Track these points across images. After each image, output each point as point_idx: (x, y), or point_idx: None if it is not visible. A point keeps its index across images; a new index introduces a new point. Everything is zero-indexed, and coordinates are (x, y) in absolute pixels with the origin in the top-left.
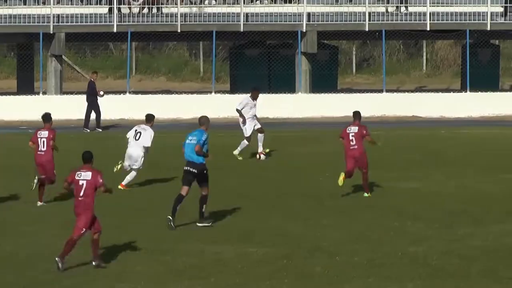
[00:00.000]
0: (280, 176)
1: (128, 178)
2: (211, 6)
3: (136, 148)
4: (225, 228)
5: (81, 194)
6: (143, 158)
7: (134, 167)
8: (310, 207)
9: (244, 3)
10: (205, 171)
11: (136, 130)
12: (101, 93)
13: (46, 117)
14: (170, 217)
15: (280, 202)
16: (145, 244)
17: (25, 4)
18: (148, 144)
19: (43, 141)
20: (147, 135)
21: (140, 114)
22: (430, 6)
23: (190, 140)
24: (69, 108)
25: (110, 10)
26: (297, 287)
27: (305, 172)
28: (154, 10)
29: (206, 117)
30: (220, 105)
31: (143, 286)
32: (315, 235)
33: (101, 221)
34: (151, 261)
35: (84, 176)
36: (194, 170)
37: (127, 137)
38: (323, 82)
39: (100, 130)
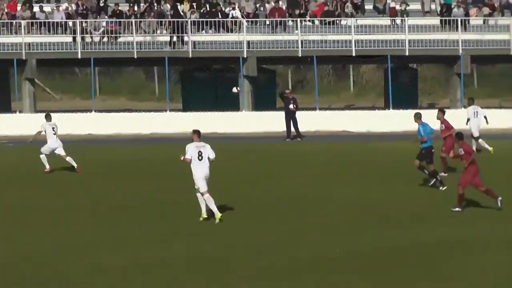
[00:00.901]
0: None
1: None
2: (162, 35)
3: (204, 167)
4: None
5: None
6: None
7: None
8: None
9: (191, 32)
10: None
11: (197, 149)
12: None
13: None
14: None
15: None
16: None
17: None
18: (214, 156)
19: None
20: (209, 150)
21: (106, 129)
22: (354, 34)
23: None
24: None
25: (74, 39)
26: None
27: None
28: (113, 39)
29: None
30: (174, 122)
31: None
32: None
33: None
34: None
35: None
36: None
37: (190, 157)
38: (263, 102)
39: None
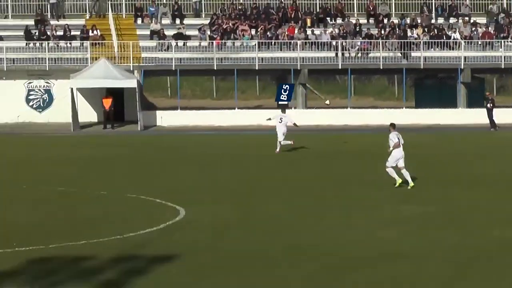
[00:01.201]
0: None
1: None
2: (401, 52)
3: (401, 149)
4: (414, 193)
5: None
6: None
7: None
8: None
9: (423, 49)
10: None
11: (397, 136)
12: (327, 102)
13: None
14: None
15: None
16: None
17: (281, 50)
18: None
19: None
20: (400, 136)
21: (358, 121)
22: None
23: None
24: (311, 118)
25: (337, 54)
26: None
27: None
28: (365, 54)
29: None
30: (408, 116)
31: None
32: None
33: None
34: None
35: None
36: None
37: (397, 140)
38: (474, 101)
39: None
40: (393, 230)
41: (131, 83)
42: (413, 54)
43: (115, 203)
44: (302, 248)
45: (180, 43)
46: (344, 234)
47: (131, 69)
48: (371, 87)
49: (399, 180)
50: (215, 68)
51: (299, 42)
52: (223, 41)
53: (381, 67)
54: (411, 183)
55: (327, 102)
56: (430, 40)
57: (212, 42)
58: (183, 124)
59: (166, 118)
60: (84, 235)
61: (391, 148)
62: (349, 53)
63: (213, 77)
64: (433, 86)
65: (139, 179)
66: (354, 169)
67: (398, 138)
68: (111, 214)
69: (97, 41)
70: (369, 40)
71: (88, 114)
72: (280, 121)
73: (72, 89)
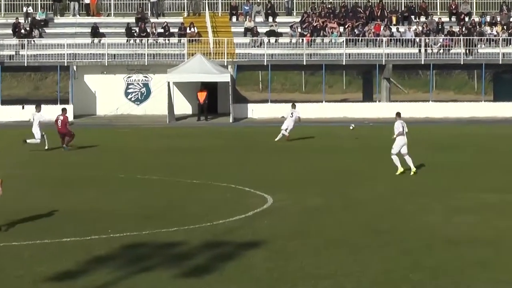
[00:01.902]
0: None
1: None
2: (481, 48)
3: (405, 138)
4: (492, 182)
5: None
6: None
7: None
8: None
9: (502, 46)
10: None
11: (402, 125)
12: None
13: None
14: None
15: None
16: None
17: (367, 46)
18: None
19: None
20: (405, 125)
21: (439, 114)
22: None
23: None
24: (394, 110)
25: (420, 50)
26: None
27: None
28: (447, 50)
29: None
30: (487, 109)
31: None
32: None
33: None
34: (443, 202)
35: None
36: None
37: (401, 129)
38: None
39: None
40: (470, 216)
41: (225, 77)
42: (493, 50)
43: (205, 191)
44: (383, 232)
45: (272, 39)
46: (423, 219)
47: (225, 64)
48: (452, 82)
49: (400, 169)
50: (304, 64)
51: (384, 39)
52: (313, 38)
53: (462, 63)
54: (413, 169)
55: (352, 126)
56: (509, 37)
57: (302, 39)
58: (273, 116)
59: (256, 111)
60: (176, 221)
61: (394, 136)
62: (432, 49)
63: (302, 71)
64: (511, 80)
65: (229, 169)
66: (432, 159)
67: (403, 127)
68: (202, 202)
69: (193, 38)
70: (450, 37)
71: (183, 106)
72: (291, 115)
73: (169, 83)
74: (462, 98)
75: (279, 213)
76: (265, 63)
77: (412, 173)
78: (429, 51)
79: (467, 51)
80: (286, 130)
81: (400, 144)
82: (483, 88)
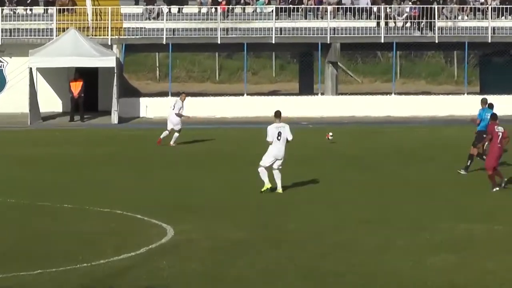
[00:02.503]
0: None
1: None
2: (463, 21)
3: (280, 147)
4: (471, 208)
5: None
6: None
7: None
8: None
9: (491, 18)
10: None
11: (277, 130)
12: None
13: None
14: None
15: None
16: (406, 223)
17: (306, 18)
18: (291, 137)
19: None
20: (287, 131)
21: (404, 112)
22: None
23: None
24: (343, 107)
25: (378, 24)
26: None
27: None
28: (415, 24)
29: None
30: (471, 105)
31: (406, 258)
32: None
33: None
34: (411, 236)
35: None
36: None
37: (271, 140)
38: None
39: None
40: (449, 255)
41: (108, 61)
42: (479, 24)
43: (81, 220)
44: (328, 275)
45: (174, 9)
46: (384, 259)
47: (109, 43)
48: (423, 67)
49: (267, 185)
50: (218, 42)
51: (329, 7)
52: (230, 6)
53: (437, 41)
54: (279, 189)
55: (330, 135)
56: (501, 6)
57: (216, 8)
58: None
59: (153, 108)
60: (41, 261)
61: (269, 140)
62: (395, 23)
63: (215, 54)
64: (504, 66)
65: (114, 188)
66: (395, 174)
67: (280, 133)
68: (77, 234)
69: (65, 7)
70: (421, 6)
71: (51, 102)
72: (173, 107)
73: (31, 69)
74: (437, 90)
75: (182, 250)
76: (164, 42)
77: (277, 191)
78: (391, 24)
79: (444, 26)
80: (172, 130)
81: (273, 154)
82: (466, 76)
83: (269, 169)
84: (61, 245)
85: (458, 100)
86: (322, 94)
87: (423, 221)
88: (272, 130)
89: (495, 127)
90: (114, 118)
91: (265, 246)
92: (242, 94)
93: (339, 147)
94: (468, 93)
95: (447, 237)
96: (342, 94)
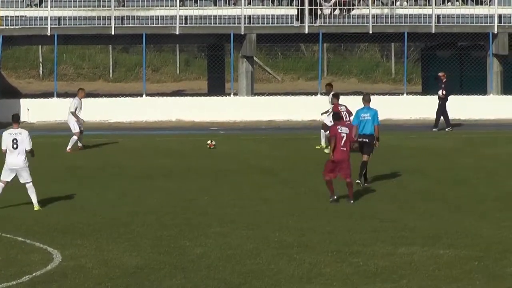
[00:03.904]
0: (473, 177)
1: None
2: (402, 8)
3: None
4: (414, 230)
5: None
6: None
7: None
8: (503, 209)
9: (435, 4)
10: (374, 142)
11: (11, 137)
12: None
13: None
14: (358, 180)
15: (468, 203)
16: (334, 246)
17: (215, 5)
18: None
19: None
20: (25, 138)
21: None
22: None
23: (364, 117)
24: (260, 109)
25: (301, 11)
26: None
27: (497, 174)
28: (345, 12)
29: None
30: (412, 107)
31: (334, 287)
32: (508, 236)
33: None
34: (341, 262)
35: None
36: (366, 140)
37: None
38: None
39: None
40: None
41: None
42: (420, 11)
43: None
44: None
45: None
46: None
47: None
48: (354, 63)
49: (36, 207)
50: (112, 33)
51: None
52: None
53: (370, 31)
54: (36, 206)
55: (211, 143)
56: None
57: None
58: (62, 120)
59: (36, 111)
60: None
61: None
62: (321, 10)
63: (109, 47)
64: (450, 61)
65: None
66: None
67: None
68: None
69: None
70: None
71: None
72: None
73: None
74: (371, 89)
75: (71, 279)
76: (48, 33)
77: (35, 208)
78: (317, 12)
79: (380, 14)
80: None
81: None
82: (406, 73)
83: None
84: None
85: (396, 101)
86: (235, 94)
87: (355, 245)
88: (6, 137)
89: (338, 127)
90: None
91: (167, 274)
92: (141, 95)
93: (254, 158)
94: (408, 93)
95: (383, 264)
96: (258, 94)
